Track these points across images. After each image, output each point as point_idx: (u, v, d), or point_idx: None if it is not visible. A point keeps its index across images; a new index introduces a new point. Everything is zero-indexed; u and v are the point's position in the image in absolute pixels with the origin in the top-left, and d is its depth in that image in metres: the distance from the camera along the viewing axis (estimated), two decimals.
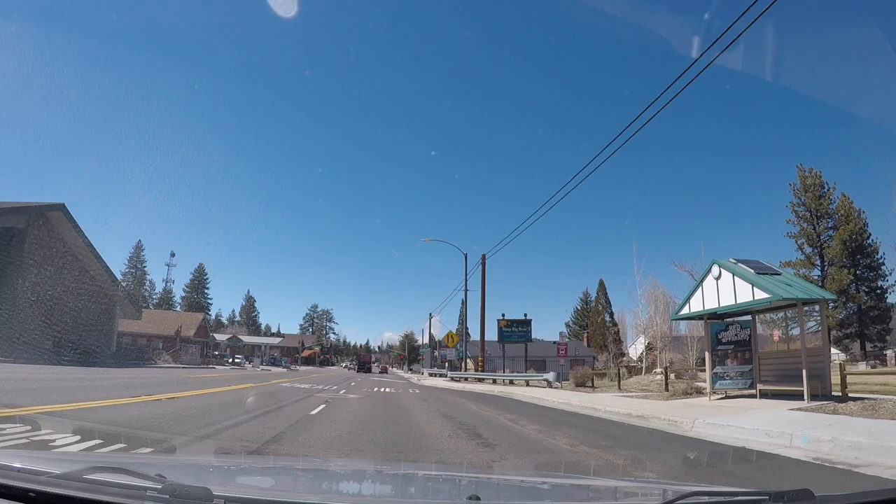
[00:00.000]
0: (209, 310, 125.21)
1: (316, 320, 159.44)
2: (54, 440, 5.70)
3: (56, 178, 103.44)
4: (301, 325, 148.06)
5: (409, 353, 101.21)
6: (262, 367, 55.91)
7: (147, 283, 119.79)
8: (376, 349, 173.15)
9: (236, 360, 58.21)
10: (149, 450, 5.56)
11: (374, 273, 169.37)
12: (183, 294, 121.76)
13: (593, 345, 57.07)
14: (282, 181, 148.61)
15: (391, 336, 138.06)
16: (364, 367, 73.22)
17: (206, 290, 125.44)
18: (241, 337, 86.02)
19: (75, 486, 1.50)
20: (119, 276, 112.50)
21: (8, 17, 41.92)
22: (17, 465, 1.72)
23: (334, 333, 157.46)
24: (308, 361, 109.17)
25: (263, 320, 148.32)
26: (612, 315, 67.12)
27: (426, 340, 72.98)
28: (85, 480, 1.54)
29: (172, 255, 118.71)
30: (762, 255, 20.43)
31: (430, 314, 61.35)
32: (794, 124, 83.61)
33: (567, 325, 78.25)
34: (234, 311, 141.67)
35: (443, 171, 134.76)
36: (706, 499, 1.85)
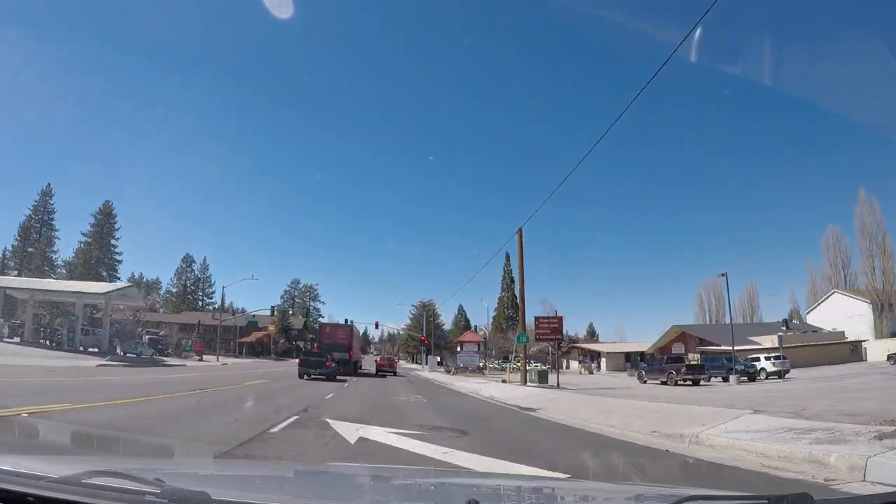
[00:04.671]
0: (116, 270, 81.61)
1: (297, 299, 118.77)
2: None
3: None
4: (278, 307, 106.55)
5: (430, 334, 55.71)
6: None
7: (40, 236, 77.90)
8: (374, 338, 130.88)
9: None
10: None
11: (372, 269, 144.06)
12: (79, 243, 79.52)
13: None
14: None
15: (392, 328, 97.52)
16: (323, 359, 26.95)
17: (113, 242, 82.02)
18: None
19: (74, 490, 1.46)
20: (16, 228, 74.66)
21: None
22: (15, 469, 1.67)
23: (321, 315, 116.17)
24: (258, 350, 65.83)
25: (229, 300, 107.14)
26: None
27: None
28: (84, 485, 1.51)
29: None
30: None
31: None
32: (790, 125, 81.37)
33: None
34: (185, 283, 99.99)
35: (443, 166, 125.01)
36: (705, 502, 1.85)
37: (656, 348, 59.44)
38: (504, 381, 27.74)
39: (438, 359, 51.32)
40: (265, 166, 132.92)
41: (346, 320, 46.63)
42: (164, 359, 35.48)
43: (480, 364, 41.16)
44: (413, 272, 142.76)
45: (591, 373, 56.40)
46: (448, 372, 43.70)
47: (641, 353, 73.68)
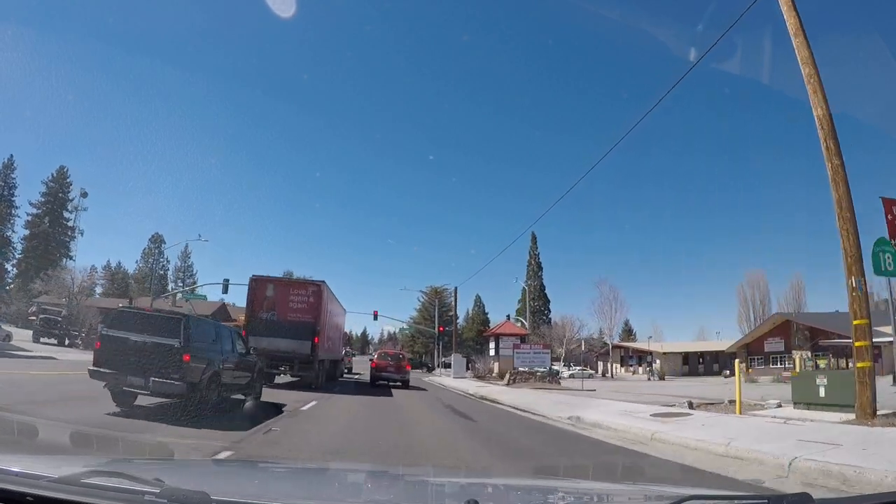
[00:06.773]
0: (68, 248, 69.14)
1: None
2: None
3: None
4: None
5: (448, 326, 42.46)
6: None
7: None
8: (373, 339, 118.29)
9: None
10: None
11: (372, 266, 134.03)
12: (27, 216, 67.51)
13: None
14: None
15: (396, 322, 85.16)
16: (175, 352, 8.28)
17: (65, 216, 69.41)
18: None
19: (73, 490, 1.45)
20: None
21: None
22: (14, 468, 1.64)
23: None
24: None
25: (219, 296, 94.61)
26: None
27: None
28: (83, 485, 1.49)
29: (84, 194, 68.14)
30: None
31: None
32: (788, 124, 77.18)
33: None
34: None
35: (442, 164, 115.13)
36: (705, 502, 1.82)
37: (740, 345, 46.24)
38: (758, 410, 11.89)
39: (473, 362, 37.27)
40: (261, 161, 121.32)
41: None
42: (28, 349, 22.66)
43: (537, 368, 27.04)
44: (414, 270, 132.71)
45: (663, 378, 43.35)
46: (482, 377, 30.26)
47: (701, 354, 60.90)
